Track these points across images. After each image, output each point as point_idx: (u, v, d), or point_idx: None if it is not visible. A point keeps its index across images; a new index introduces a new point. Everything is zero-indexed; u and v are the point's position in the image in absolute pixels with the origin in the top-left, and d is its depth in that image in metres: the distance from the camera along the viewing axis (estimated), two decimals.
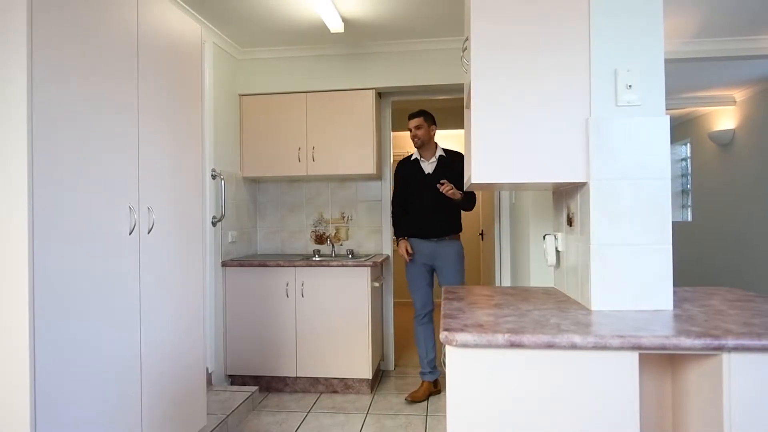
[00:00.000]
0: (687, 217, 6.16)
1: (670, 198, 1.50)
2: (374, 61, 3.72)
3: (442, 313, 1.49)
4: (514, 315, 1.42)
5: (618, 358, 1.19)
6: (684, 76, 4.21)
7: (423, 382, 3.36)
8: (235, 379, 3.54)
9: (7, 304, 1.45)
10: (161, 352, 2.10)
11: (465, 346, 1.22)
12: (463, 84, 2.62)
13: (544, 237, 1.95)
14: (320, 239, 4.07)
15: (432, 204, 3.31)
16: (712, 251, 5.51)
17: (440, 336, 1.25)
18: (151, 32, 2.05)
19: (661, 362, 1.43)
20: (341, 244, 4.05)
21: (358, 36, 3.54)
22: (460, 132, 5.80)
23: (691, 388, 1.30)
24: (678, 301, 1.59)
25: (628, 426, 1.19)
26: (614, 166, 1.51)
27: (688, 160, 6.10)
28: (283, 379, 3.48)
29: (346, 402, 3.28)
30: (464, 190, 2.97)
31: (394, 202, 3.53)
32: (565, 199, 1.81)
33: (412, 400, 3.26)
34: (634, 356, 1.19)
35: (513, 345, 1.20)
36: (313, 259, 3.56)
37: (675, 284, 1.60)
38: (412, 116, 3.36)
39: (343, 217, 4.05)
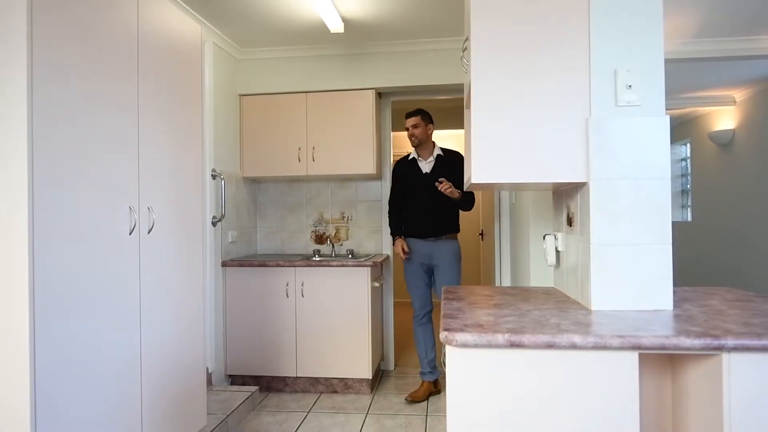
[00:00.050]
0: (687, 217, 6.16)
1: (670, 198, 1.51)
2: (374, 61, 3.72)
3: (441, 313, 1.49)
4: (514, 315, 1.42)
5: (618, 358, 1.19)
6: (684, 76, 4.21)
7: (423, 382, 3.36)
8: (235, 379, 3.54)
9: (7, 304, 1.45)
10: (161, 352, 2.10)
11: (465, 346, 1.22)
12: (463, 84, 2.62)
13: (544, 237, 1.95)
14: (320, 239, 4.07)
15: (430, 203, 3.30)
16: (712, 251, 5.51)
17: (440, 336, 1.25)
18: (151, 32, 2.05)
19: (661, 362, 1.43)
20: (341, 244, 4.05)
21: (358, 36, 3.54)
22: (460, 132, 5.81)
23: (691, 388, 1.30)
24: (678, 301, 1.59)
25: (628, 426, 1.19)
26: (614, 166, 1.51)
27: (688, 160, 6.10)
28: (283, 379, 3.48)
29: (346, 402, 3.28)
30: (464, 190, 2.97)
31: (390, 202, 3.52)
32: (565, 199, 1.81)
33: (412, 400, 3.26)
34: (634, 356, 1.19)
35: (513, 345, 1.20)
36: (313, 259, 3.56)
37: (675, 284, 1.60)
38: (409, 115, 3.36)
39: (343, 217, 4.05)
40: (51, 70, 1.53)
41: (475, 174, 1.59)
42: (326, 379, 3.45)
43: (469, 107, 1.70)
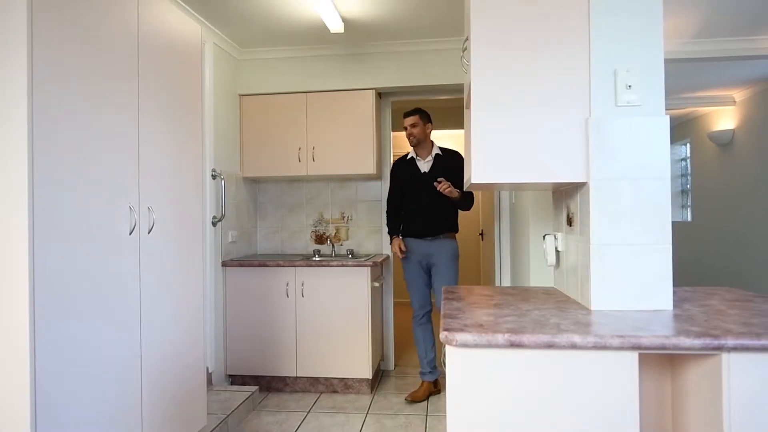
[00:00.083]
0: (687, 217, 6.16)
1: (670, 198, 1.51)
2: (374, 61, 3.72)
3: (441, 312, 1.49)
4: (514, 315, 1.42)
5: (618, 357, 1.19)
6: (684, 76, 4.22)
7: (423, 382, 3.36)
8: (235, 379, 3.55)
9: (7, 304, 1.45)
10: (161, 352, 2.10)
11: (465, 345, 1.22)
12: (463, 84, 2.62)
13: (544, 237, 1.95)
14: (320, 239, 4.07)
15: (428, 203, 3.29)
16: (712, 251, 5.52)
17: (440, 336, 1.25)
18: (152, 32, 2.05)
19: (660, 362, 1.43)
20: (341, 244, 4.05)
21: (358, 36, 3.54)
22: (460, 132, 5.81)
23: (690, 388, 1.30)
24: (678, 301, 1.59)
25: (627, 426, 1.19)
26: (614, 166, 1.51)
27: (688, 160, 6.10)
28: (283, 379, 3.48)
29: (346, 402, 3.28)
30: (464, 190, 2.97)
31: (389, 201, 3.51)
32: (565, 199, 1.81)
33: (412, 400, 3.26)
34: (633, 356, 1.19)
35: (513, 345, 1.20)
36: (313, 259, 3.57)
37: (675, 284, 1.60)
38: (407, 114, 3.35)
39: (343, 217, 4.06)
40: (51, 70, 1.53)
41: (475, 174, 1.59)
42: (326, 379, 3.45)
43: (469, 107, 1.70)
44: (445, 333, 1.23)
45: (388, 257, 3.92)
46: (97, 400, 1.72)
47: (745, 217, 4.91)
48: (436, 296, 3.32)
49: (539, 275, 2.41)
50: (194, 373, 2.35)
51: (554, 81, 1.56)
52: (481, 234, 4.83)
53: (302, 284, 3.42)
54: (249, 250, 3.95)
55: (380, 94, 3.93)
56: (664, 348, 1.16)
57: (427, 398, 3.31)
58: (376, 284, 3.56)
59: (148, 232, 2.01)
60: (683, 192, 6.26)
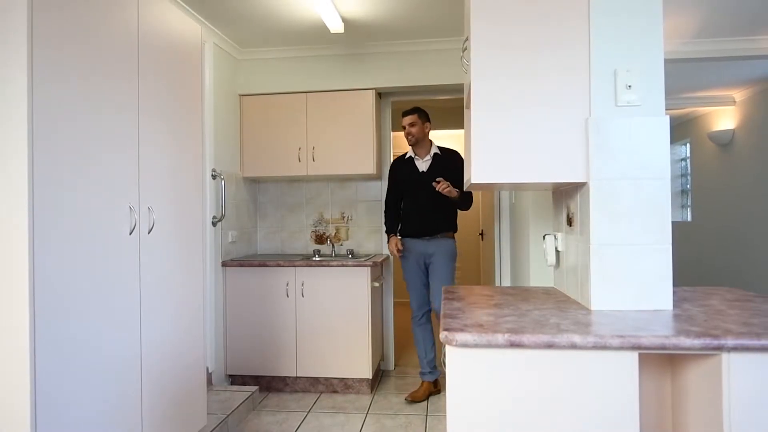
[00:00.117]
0: (687, 217, 6.16)
1: (670, 198, 1.51)
2: (374, 61, 3.72)
3: (441, 312, 1.49)
4: (514, 315, 1.42)
5: (618, 357, 1.19)
6: (684, 76, 4.21)
7: (423, 382, 3.35)
8: (236, 379, 3.55)
9: (7, 304, 1.45)
10: (161, 352, 2.10)
11: (465, 345, 1.22)
12: (463, 84, 2.62)
13: (544, 237, 1.95)
14: (320, 239, 4.07)
15: (427, 202, 3.28)
16: (712, 251, 5.52)
17: (440, 336, 1.25)
18: (152, 32, 2.05)
19: (660, 362, 1.43)
20: (341, 244, 4.05)
21: (358, 36, 3.54)
22: (460, 132, 5.81)
23: (690, 388, 1.30)
24: (678, 301, 1.59)
25: (627, 426, 1.19)
26: (614, 166, 1.51)
27: (688, 160, 6.10)
28: (283, 379, 3.48)
29: (346, 402, 3.28)
30: (464, 190, 2.96)
31: (387, 201, 3.51)
32: (564, 199, 1.81)
33: (412, 400, 3.26)
34: (633, 356, 1.19)
35: (513, 345, 1.20)
36: (313, 259, 3.57)
37: (675, 284, 1.60)
38: (405, 113, 3.34)
39: (343, 217, 4.06)
40: (51, 70, 1.53)
41: (475, 174, 1.59)
42: (326, 379, 3.45)
43: (469, 107, 1.70)
44: (445, 333, 1.23)
45: (388, 257, 3.92)
46: (97, 400, 1.72)
47: (745, 217, 4.91)
48: (431, 295, 3.30)
49: (539, 275, 2.41)
50: (194, 373, 2.35)
51: (554, 81, 1.56)
52: (481, 234, 4.83)
53: (302, 284, 3.42)
54: (249, 250, 3.95)
55: (380, 94, 3.93)
56: (664, 348, 1.16)
57: (427, 398, 3.31)
58: (376, 284, 3.56)
59: (148, 232, 2.01)
60: (683, 192, 6.26)
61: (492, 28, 1.59)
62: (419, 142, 3.34)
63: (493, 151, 1.58)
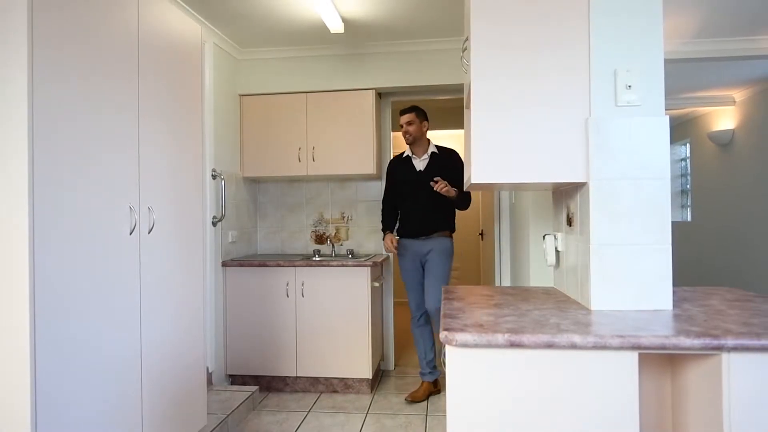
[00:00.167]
0: (686, 217, 6.16)
1: (670, 198, 1.51)
2: (374, 61, 3.72)
3: (441, 312, 1.49)
4: (513, 315, 1.42)
5: (618, 357, 1.19)
6: (684, 76, 4.22)
7: (423, 382, 3.35)
8: (236, 379, 3.55)
9: (7, 304, 1.45)
10: (161, 352, 2.10)
11: (465, 345, 1.22)
12: (463, 84, 2.63)
13: (543, 237, 1.95)
14: (320, 239, 4.07)
15: (424, 202, 3.26)
16: (712, 251, 5.52)
17: (440, 336, 1.25)
18: (152, 32, 2.05)
19: (660, 362, 1.43)
20: (341, 244, 4.05)
21: (358, 36, 3.54)
22: (460, 132, 5.81)
23: (690, 388, 1.30)
24: (677, 301, 1.59)
25: (627, 426, 1.19)
26: (614, 166, 1.51)
27: (688, 160, 6.11)
28: (284, 379, 3.48)
29: (346, 402, 3.28)
30: (464, 190, 2.95)
31: (384, 201, 3.49)
32: (564, 199, 1.81)
33: (412, 400, 3.26)
34: (633, 356, 1.19)
35: (513, 345, 1.20)
36: (313, 259, 3.57)
37: (675, 284, 1.60)
38: (403, 112, 3.32)
39: (343, 217, 4.06)
40: (51, 70, 1.53)
41: (475, 174, 1.59)
42: (326, 378, 3.45)
43: (469, 107, 1.70)
44: (445, 333, 1.23)
45: (388, 257, 3.92)
46: (97, 400, 1.72)
47: (745, 217, 4.92)
48: (426, 293, 3.25)
49: (539, 275, 2.42)
50: (194, 372, 2.35)
51: (554, 81, 1.56)
52: (481, 234, 4.83)
53: (302, 284, 3.42)
54: (249, 250, 3.95)
55: (380, 94, 3.93)
56: (664, 348, 1.16)
57: (427, 398, 3.31)
58: (376, 284, 3.56)
59: (149, 232, 2.01)
60: (683, 192, 6.26)
61: (492, 28, 1.59)
62: (417, 141, 3.33)
63: (493, 151, 1.58)
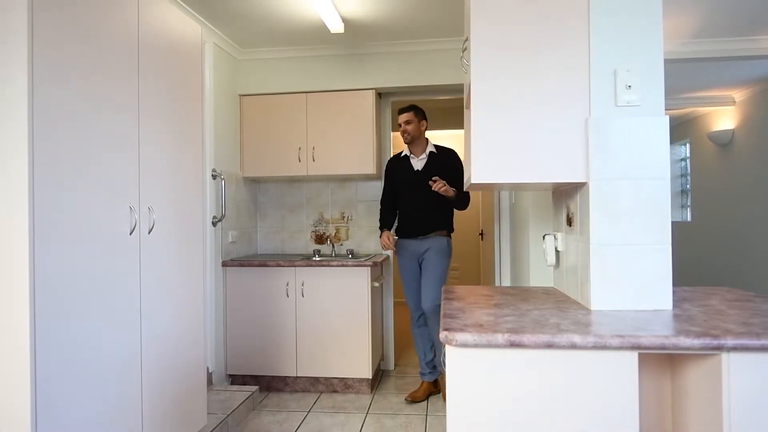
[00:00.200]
0: (686, 217, 6.17)
1: (670, 198, 1.51)
2: (374, 62, 3.72)
3: (441, 312, 1.49)
4: (513, 315, 1.42)
5: (617, 357, 1.19)
6: (684, 76, 4.22)
7: (423, 382, 3.35)
8: (236, 379, 3.55)
9: (8, 304, 1.45)
10: (162, 352, 2.10)
11: (465, 345, 1.22)
12: (463, 84, 2.63)
13: (543, 237, 1.95)
14: (320, 239, 4.07)
15: (421, 202, 3.24)
16: (712, 251, 5.52)
17: (440, 336, 1.25)
18: (152, 32, 2.05)
19: (660, 362, 1.43)
20: (341, 244, 4.05)
21: (358, 36, 3.54)
22: (460, 132, 5.81)
23: (690, 388, 1.30)
24: (677, 301, 1.59)
25: (627, 426, 1.19)
26: (614, 166, 1.51)
27: (688, 160, 6.11)
28: (284, 379, 3.48)
29: (346, 401, 3.28)
30: (464, 189, 2.94)
31: (382, 200, 3.47)
32: (564, 199, 1.81)
33: (412, 400, 3.26)
34: (633, 356, 1.19)
35: (513, 345, 1.20)
36: (313, 259, 3.57)
37: (674, 284, 1.60)
38: (402, 111, 3.30)
39: (343, 217, 4.06)
40: (51, 70, 1.53)
41: (475, 174, 1.59)
42: (326, 378, 3.45)
43: (469, 107, 1.70)
44: (445, 333, 1.24)
45: (388, 257, 3.92)
46: (98, 400, 1.72)
47: (745, 217, 4.92)
48: (422, 293, 3.21)
49: (539, 275, 2.42)
50: (194, 372, 2.35)
51: (554, 81, 1.56)
52: (481, 234, 4.83)
53: (302, 284, 3.42)
54: (249, 250, 3.95)
55: (380, 94, 3.93)
56: (663, 348, 1.16)
57: (427, 398, 3.31)
58: (376, 284, 3.56)
59: (149, 232, 2.01)
60: (683, 192, 6.26)
61: (492, 28, 1.59)
62: (415, 140, 3.31)
63: (493, 151, 1.58)
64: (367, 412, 3.11)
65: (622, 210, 1.50)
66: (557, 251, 1.89)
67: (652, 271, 1.49)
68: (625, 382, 1.19)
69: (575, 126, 1.55)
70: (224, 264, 3.46)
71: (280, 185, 4.11)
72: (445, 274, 3.27)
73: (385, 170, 3.51)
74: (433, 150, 3.32)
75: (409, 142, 3.32)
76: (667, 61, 1.68)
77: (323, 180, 4.04)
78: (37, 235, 1.47)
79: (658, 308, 1.48)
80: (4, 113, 1.45)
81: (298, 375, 3.43)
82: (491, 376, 1.22)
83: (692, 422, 1.29)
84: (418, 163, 3.31)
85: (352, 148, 3.68)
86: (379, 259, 3.64)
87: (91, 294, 1.69)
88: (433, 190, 3.05)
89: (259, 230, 4.13)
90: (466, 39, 1.72)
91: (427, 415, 3.07)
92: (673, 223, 5.45)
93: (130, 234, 1.90)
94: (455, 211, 3.35)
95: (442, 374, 3.40)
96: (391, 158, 3.53)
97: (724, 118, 5.18)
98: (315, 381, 3.46)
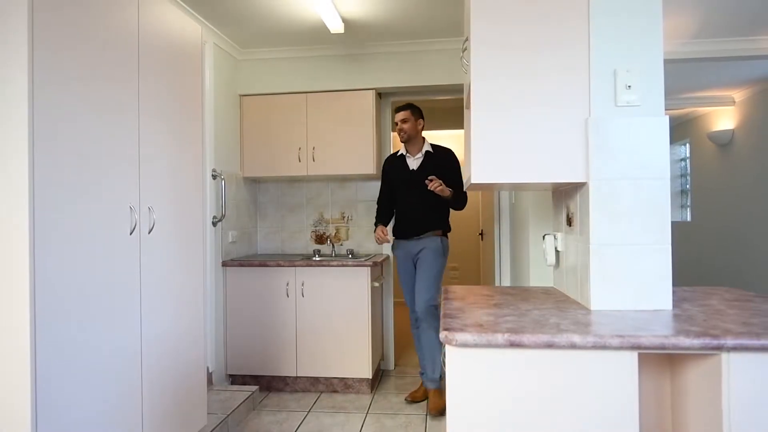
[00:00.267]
0: (686, 217, 6.17)
1: (670, 198, 1.51)
2: (374, 62, 3.72)
3: (441, 312, 1.49)
4: (513, 315, 1.42)
5: (617, 357, 1.19)
6: (683, 76, 4.22)
7: (423, 381, 3.35)
8: (236, 379, 3.55)
9: (8, 305, 1.45)
10: (162, 352, 2.10)
11: (465, 345, 1.22)
12: (463, 84, 2.63)
13: (543, 237, 1.95)
14: (320, 239, 4.07)
15: (417, 201, 3.21)
16: (712, 251, 5.52)
17: (440, 336, 1.25)
18: (152, 33, 2.05)
19: (660, 362, 1.43)
20: (341, 244, 4.05)
21: (358, 36, 3.54)
22: (460, 132, 5.81)
23: (690, 388, 1.31)
24: (677, 301, 1.59)
25: (627, 426, 1.19)
26: (614, 166, 1.51)
27: (688, 160, 6.11)
28: (284, 379, 3.48)
29: (346, 401, 3.28)
30: (464, 189, 2.93)
31: (379, 200, 3.46)
32: (564, 199, 1.81)
33: (412, 399, 3.25)
34: (633, 356, 1.19)
35: (513, 345, 1.20)
36: (314, 259, 3.57)
37: (674, 284, 1.60)
38: (398, 109, 3.27)
39: (343, 217, 4.06)
40: (51, 71, 1.53)
41: (475, 174, 1.59)
42: (326, 378, 3.45)
43: (469, 107, 1.70)
44: (445, 333, 1.24)
45: (388, 257, 3.92)
46: (98, 400, 1.72)
47: (745, 217, 4.92)
48: (416, 293, 3.15)
49: (539, 275, 2.42)
50: (194, 372, 2.35)
51: (554, 81, 1.56)
52: (481, 234, 4.83)
53: (302, 284, 3.42)
54: (249, 250, 3.95)
55: (380, 94, 3.94)
56: (663, 348, 1.16)
57: (427, 398, 3.30)
58: (376, 284, 3.56)
59: (149, 233, 2.01)
60: (683, 192, 6.26)
61: (492, 28, 1.59)
62: (411, 139, 3.26)
63: (493, 151, 1.58)
64: (367, 412, 3.11)
65: (622, 210, 1.50)
66: (557, 251, 1.89)
67: (652, 271, 1.49)
68: (625, 382, 1.19)
69: (575, 126, 1.55)
70: (224, 264, 3.46)
71: (280, 185, 4.11)
72: (440, 274, 3.22)
73: (382, 169, 3.49)
74: (430, 149, 3.28)
75: (406, 141, 3.29)
76: (667, 61, 1.68)
77: (323, 180, 4.04)
78: (38, 235, 1.47)
79: (657, 308, 1.48)
80: (5, 113, 1.45)
81: (298, 375, 3.43)
82: (491, 376, 1.23)
83: (692, 422, 1.29)
84: (414, 163, 3.28)
85: (352, 148, 3.68)
86: (379, 259, 3.64)
87: (91, 294, 1.69)
88: (429, 190, 3.03)
89: (259, 230, 4.13)
90: (466, 39, 1.72)
91: (427, 415, 3.07)
92: (673, 223, 5.46)
93: (131, 234, 1.90)
94: (454, 211, 3.34)
95: (442, 375, 3.39)
96: (387, 157, 3.50)
97: (723, 118, 5.18)
98: (315, 381, 3.46)
